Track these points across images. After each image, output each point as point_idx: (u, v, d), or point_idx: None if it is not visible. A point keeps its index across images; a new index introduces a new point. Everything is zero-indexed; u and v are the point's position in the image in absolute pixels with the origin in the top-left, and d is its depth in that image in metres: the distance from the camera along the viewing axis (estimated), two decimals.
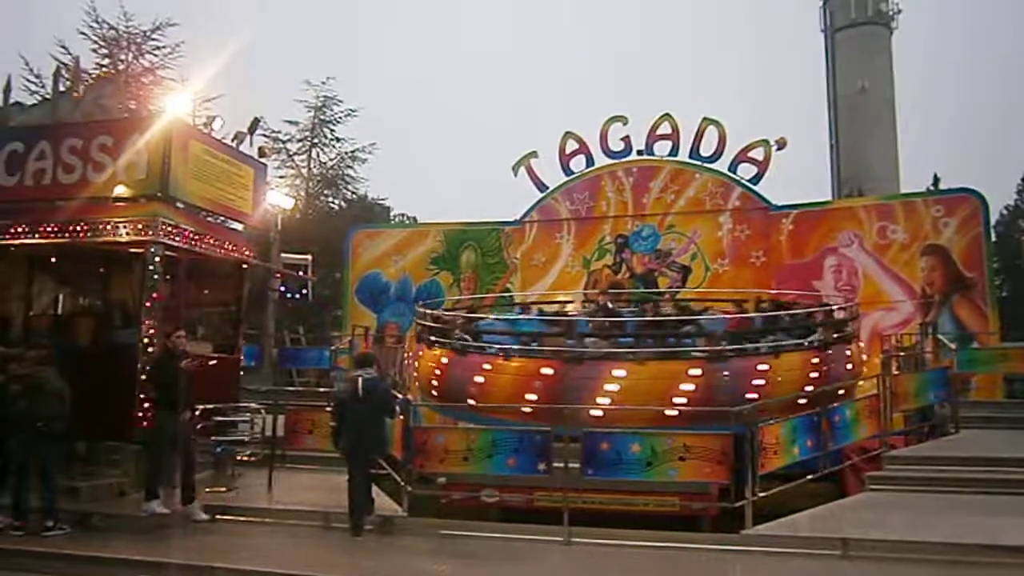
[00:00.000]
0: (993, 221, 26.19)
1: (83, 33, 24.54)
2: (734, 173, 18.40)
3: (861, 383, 12.35)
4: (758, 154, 18.17)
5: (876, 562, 7.22)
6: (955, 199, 17.17)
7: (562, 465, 8.56)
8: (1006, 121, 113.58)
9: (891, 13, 43.82)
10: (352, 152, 32.21)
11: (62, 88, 11.89)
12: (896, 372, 12.30)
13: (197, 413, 9.63)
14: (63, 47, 23.51)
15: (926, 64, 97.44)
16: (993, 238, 18.15)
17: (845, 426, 9.95)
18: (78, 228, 10.24)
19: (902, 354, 14.36)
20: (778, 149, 18.05)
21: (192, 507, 8.84)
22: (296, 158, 31.58)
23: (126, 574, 7.37)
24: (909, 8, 45.33)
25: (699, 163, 18.68)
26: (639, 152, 19.09)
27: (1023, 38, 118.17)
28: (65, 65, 17.72)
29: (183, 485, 8.91)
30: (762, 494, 8.43)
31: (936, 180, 38.02)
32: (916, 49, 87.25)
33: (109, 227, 10.18)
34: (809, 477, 9.42)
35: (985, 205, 16.79)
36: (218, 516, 9.05)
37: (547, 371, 11.33)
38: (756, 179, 18.27)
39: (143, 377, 9.57)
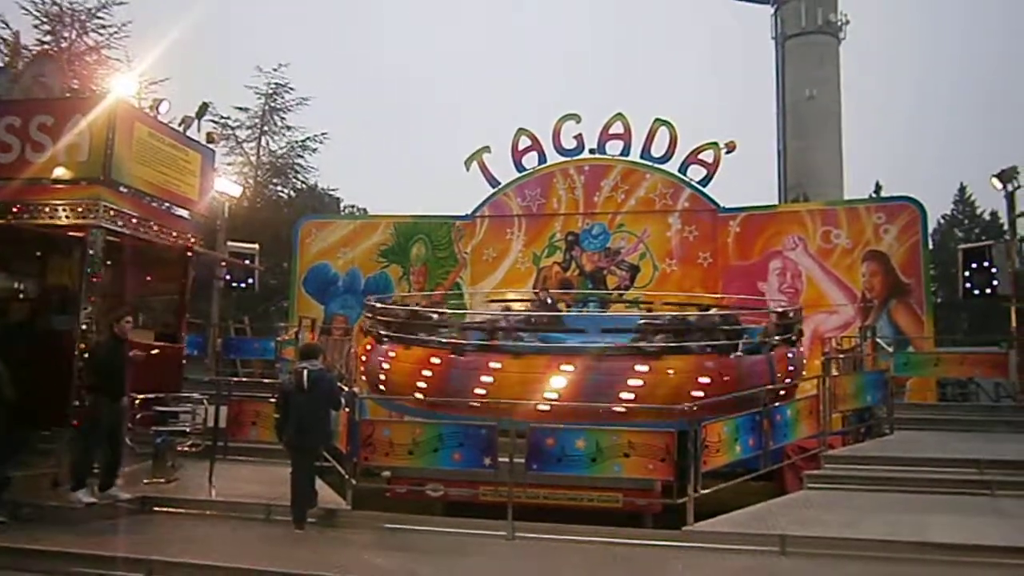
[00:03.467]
0: (931, 229, 27.09)
1: (24, 8, 23.71)
2: (684, 175, 18.62)
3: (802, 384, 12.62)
4: (708, 156, 18.41)
5: (813, 558, 7.40)
6: (896, 207, 17.60)
7: (507, 460, 8.58)
8: (946, 133, 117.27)
9: (840, 24, 44.98)
10: (303, 141, 31.64)
11: (0, 63, 11.45)
12: (836, 374, 12.57)
13: (136, 402, 9.42)
14: (2, 21, 22.60)
15: (871, 75, 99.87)
16: (930, 246, 18.64)
17: (785, 425, 10.13)
18: (15, 209, 9.92)
19: (842, 356, 14.68)
20: (727, 152, 18.34)
21: (113, 491, 8.67)
22: (245, 145, 30.91)
23: (62, 567, 7.15)
24: (857, 19, 46.56)
25: (650, 163, 18.87)
26: (591, 151, 19.21)
27: (968, 53, 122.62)
28: (4, 40, 17.16)
29: (106, 472, 8.71)
30: (704, 491, 8.55)
31: (878, 188, 39.14)
32: (862, 60, 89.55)
33: (48, 209, 9.91)
34: (750, 475, 9.60)
35: (924, 214, 17.25)
36: (156, 508, 8.87)
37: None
38: (705, 181, 18.50)
39: (81, 363, 9.29)
